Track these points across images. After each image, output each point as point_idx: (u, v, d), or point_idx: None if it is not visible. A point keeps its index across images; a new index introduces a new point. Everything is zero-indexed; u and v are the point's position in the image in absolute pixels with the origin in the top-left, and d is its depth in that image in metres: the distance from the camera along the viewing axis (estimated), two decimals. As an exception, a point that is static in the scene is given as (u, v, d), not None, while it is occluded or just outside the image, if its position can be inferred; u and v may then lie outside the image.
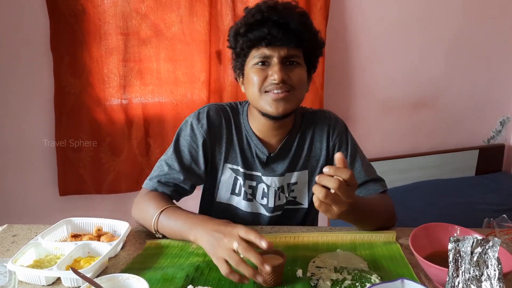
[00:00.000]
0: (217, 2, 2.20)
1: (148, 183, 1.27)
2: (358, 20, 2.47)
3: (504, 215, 1.12)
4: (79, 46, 2.13)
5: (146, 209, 1.18)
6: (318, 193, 0.90)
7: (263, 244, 0.89)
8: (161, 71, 2.25)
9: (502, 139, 2.92)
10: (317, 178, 0.91)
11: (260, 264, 0.88)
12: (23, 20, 2.12)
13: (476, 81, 2.75)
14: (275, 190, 1.30)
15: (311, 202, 1.33)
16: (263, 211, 1.32)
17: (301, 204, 1.34)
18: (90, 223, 1.18)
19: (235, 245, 0.91)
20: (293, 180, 1.32)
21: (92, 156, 2.26)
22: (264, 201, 1.31)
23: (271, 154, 1.28)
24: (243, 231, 0.93)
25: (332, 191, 0.90)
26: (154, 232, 1.15)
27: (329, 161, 1.33)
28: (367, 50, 2.54)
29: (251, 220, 1.32)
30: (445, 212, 2.23)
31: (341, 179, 0.89)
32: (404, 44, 2.58)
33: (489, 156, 2.87)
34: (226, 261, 0.91)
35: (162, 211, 1.13)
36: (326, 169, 0.91)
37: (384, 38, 2.54)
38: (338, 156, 0.92)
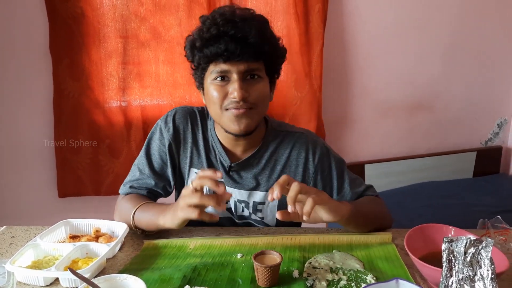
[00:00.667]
0: (215, 5, 2.21)
1: (122, 189, 1.32)
2: (356, 22, 2.48)
3: (499, 216, 1.13)
4: (78, 49, 2.14)
5: (124, 210, 1.22)
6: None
7: (221, 188, 0.95)
8: (160, 74, 2.26)
9: (499, 141, 2.92)
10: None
11: (213, 184, 0.95)
12: (23, 23, 2.13)
13: (473, 83, 2.76)
14: (235, 201, 1.27)
15: (278, 225, 1.30)
16: (233, 218, 1.31)
17: (268, 225, 1.30)
18: (89, 224, 1.19)
19: (190, 183, 0.98)
20: (258, 199, 1.27)
21: (91, 158, 2.27)
22: (228, 205, 1.29)
23: (233, 164, 1.24)
24: (195, 181, 0.98)
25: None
26: (134, 229, 1.19)
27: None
28: (365, 52, 2.55)
29: (224, 224, 1.31)
30: (443, 214, 2.23)
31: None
32: (401, 46, 2.59)
33: (487, 158, 2.88)
34: (194, 209, 0.98)
35: (137, 208, 1.18)
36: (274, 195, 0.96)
37: (382, 40, 2.55)
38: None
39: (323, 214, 1.04)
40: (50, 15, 2.08)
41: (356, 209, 1.12)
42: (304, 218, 0.98)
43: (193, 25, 2.19)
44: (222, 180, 0.96)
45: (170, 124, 1.27)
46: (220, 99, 1.12)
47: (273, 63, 1.18)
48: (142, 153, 1.30)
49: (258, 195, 1.26)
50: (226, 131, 1.17)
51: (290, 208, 0.96)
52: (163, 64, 2.25)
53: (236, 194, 1.26)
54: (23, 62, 2.17)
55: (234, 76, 1.10)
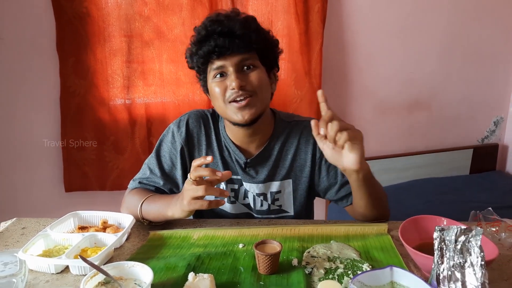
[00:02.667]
0: (217, 4, 2.25)
1: (132, 184, 1.37)
2: (355, 22, 2.52)
3: (490, 208, 1.17)
4: (84, 48, 2.19)
5: (132, 202, 1.28)
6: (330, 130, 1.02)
7: (218, 174, 1.01)
8: (163, 72, 2.30)
9: (496, 139, 2.97)
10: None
11: (211, 173, 1.00)
12: (31, 22, 2.17)
13: (470, 82, 2.81)
14: (253, 195, 1.33)
15: (297, 210, 1.36)
16: (252, 213, 1.37)
17: (287, 211, 1.37)
18: (96, 216, 1.24)
19: (189, 176, 1.03)
20: (275, 189, 1.34)
21: (97, 155, 2.32)
22: (247, 201, 1.35)
23: (248, 160, 1.31)
24: (192, 173, 1.03)
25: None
26: (141, 220, 1.24)
27: (314, 172, 1.34)
28: (364, 52, 2.59)
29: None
30: (440, 210, 2.22)
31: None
32: (399, 45, 2.63)
33: (483, 155, 2.92)
34: (202, 202, 1.04)
35: (144, 200, 1.23)
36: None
37: (381, 40, 2.59)
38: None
39: (350, 150, 1.07)
40: (56, 15, 2.13)
41: (372, 175, 1.18)
42: (330, 142, 1.05)
43: (196, 24, 2.23)
44: (209, 159, 1.03)
45: (183, 129, 1.33)
46: (222, 93, 1.19)
47: (265, 52, 1.23)
48: (153, 153, 1.36)
49: (274, 185, 1.33)
50: (234, 124, 1.23)
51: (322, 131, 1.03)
52: (167, 62, 2.29)
53: (254, 189, 1.32)
54: (31, 61, 2.21)
55: (230, 69, 1.18)
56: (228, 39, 1.14)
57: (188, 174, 1.04)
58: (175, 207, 1.12)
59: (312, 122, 1.06)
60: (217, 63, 1.18)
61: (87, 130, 2.28)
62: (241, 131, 1.26)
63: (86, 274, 0.97)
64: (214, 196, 1.34)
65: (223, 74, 1.19)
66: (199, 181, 1.03)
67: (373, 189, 1.20)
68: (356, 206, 1.27)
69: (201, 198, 1.04)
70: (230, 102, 1.18)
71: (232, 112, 1.19)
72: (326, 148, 1.09)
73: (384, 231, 1.20)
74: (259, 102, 1.20)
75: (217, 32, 1.15)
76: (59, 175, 2.34)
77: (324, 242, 1.14)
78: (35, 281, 0.98)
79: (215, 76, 1.20)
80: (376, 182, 1.24)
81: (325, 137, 1.05)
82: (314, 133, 1.07)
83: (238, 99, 1.17)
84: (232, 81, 1.16)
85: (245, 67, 1.19)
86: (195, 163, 1.04)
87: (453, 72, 2.76)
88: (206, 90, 1.28)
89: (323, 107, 1.06)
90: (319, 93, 1.06)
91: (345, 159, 1.08)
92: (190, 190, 1.04)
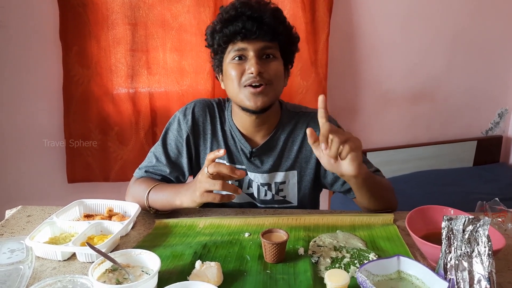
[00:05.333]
0: (223, -6, 2.22)
1: (137, 172, 1.37)
2: (361, 13, 2.50)
3: (496, 199, 1.17)
4: (88, 36, 2.16)
5: (138, 191, 1.28)
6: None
7: (237, 173, 1.01)
8: (167, 61, 2.28)
9: (500, 131, 2.96)
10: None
11: (231, 171, 1.01)
12: (34, 10, 2.15)
13: (475, 74, 2.79)
14: (258, 185, 1.34)
15: (301, 201, 1.36)
16: (256, 203, 1.37)
17: (291, 202, 1.37)
18: (102, 204, 1.24)
19: (205, 170, 1.04)
20: (279, 179, 1.34)
21: (100, 145, 2.30)
22: (250, 191, 1.35)
23: (254, 149, 1.30)
24: (211, 167, 1.03)
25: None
26: (147, 208, 1.24)
27: (320, 164, 1.29)
28: (369, 43, 2.57)
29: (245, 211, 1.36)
30: (443, 201, 2.22)
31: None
32: (404, 37, 2.61)
33: (487, 147, 2.91)
34: (216, 196, 1.05)
35: (151, 189, 1.24)
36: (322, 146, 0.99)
37: (386, 31, 2.57)
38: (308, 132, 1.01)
39: (348, 161, 1.02)
40: (60, 2, 2.10)
41: (372, 175, 1.18)
42: (331, 157, 1.02)
43: (201, 12, 2.24)
44: (222, 152, 1.03)
45: (189, 117, 1.33)
46: (238, 76, 1.18)
47: (287, 46, 1.24)
48: (159, 142, 1.36)
49: (279, 176, 1.33)
50: (243, 109, 1.22)
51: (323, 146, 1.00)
52: (171, 51, 2.26)
53: (258, 178, 1.32)
54: (34, 49, 2.19)
55: (251, 54, 1.17)
56: (257, 24, 1.15)
57: (205, 167, 1.04)
58: (185, 196, 1.12)
59: (308, 131, 1.02)
60: (240, 45, 1.18)
61: (91, 121, 2.26)
62: (248, 119, 1.26)
63: (92, 262, 0.98)
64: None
65: (241, 57, 1.19)
66: (215, 175, 1.04)
67: (374, 187, 1.20)
68: (359, 203, 1.28)
69: (216, 194, 1.05)
70: (245, 86, 1.18)
71: (244, 97, 1.19)
72: (322, 156, 1.05)
73: (390, 221, 1.20)
74: (272, 92, 1.21)
75: (246, 15, 1.15)
76: (62, 165, 2.33)
77: (329, 232, 1.14)
78: (42, 268, 0.99)
79: (233, 58, 1.20)
80: (377, 179, 1.24)
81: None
82: (310, 141, 1.03)
83: (253, 84, 1.17)
84: (251, 66, 1.16)
85: (265, 56, 1.19)
86: (209, 156, 1.04)
87: (458, 64, 2.74)
88: (219, 70, 1.28)
89: (321, 115, 1.03)
90: (321, 98, 1.03)
91: (344, 167, 1.04)
92: (205, 183, 1.05)
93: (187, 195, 1.11)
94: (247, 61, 1.18)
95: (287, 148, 1.33)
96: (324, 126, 0.99)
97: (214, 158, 1.04)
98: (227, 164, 1.31)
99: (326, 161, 1.05)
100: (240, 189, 1.08)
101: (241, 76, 1.18)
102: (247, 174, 1.33)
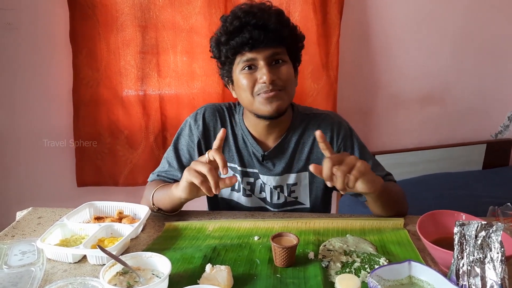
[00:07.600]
0: (234, -5, 2.20)
1: (151, 177, 1.40)
2: (372, 15, 2.50)
3: (509, 204, 1.16)
4: (97, 38, 2.15)
5: (148, 192, 1.29)
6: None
7: (224, 172, 1.00)
8: (178, 64, 2.26)
9: (510, 134, 2.93)
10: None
11: (223, 162, 1.00)
12: (45, 13, 2.15)
13: (485, 76, 2.77)
14: (270, 188, 1.33)
15: (313, 202, 1.37)
16: (268, 207, 1.37)
17: (303, 204, 1.37)
18: (112, 206, 1.24)
19: (206, 154, 1.04)
20: (291, 181, 1.34)
21: (110, 149, 2.29)
22: (263, 195, 1.36)
23: (266, 153, 1.31)
24: (211, 153, 1.03)
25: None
26: (151, 206, 1.24)
27: None
28: (379, 45, 2.56)
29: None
30: (452, 205, 2.22)
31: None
32: (413, 39, 2.60)
33: (497, 151, 2.89)
34: (199, 176, 1.02)
35: (157, 188, 1.25)
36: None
37: (396, 34, 2.56)
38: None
39: (360, 184, 1.01)
40: (70, 4, 2.09)
41: (386, 186, 1.17)
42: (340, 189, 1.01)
43: (212, 14, 2.23)
44: (222, 133, 1.06)
45: (200, 122, 1.33)
46: (251, 86, 1.18)
47: (294, 47, 1.24)
48: (171, 147, 1.37)
49: (290, 178, 1.33)
50: (259, 116, 1.22)
51: (329, 184, 0.99)
52: (181, 54, 2.24)
53: (271, 181, 1.32)
54: (45, 51, 2.20)
55: (261, 63, 1.16)
56: (263, 32, 1.13)
57: (207, 152, 1.04)
58: (179, 185, 1.12)
59: (311, 167, 1.01)
60: (248, 55, 1.17)
61: (100, 124, 2.25)
62: (261, 123, 1.26)
63: (103, 264, 0.98)
64: (230, 189, 1.36)
65: (251, 66, 1.18)
66: (213, 162, 1.03)
67: (388, 198, 1.20)
68: (371, 209, 1.27)
69: (202, 176, 1.02)
70: (258, 94, 1.18)
71: (260, 104, 1.19)
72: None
73: (400, 226, 1.19)
74: (286, 96, 1.21)
75: (251, 24, 1.14)
76: (72, 169, 2.32)
77: (339, 236, 1.14)
78: (53, 270, 0.99)
79: (243, 68, 1.19)
80: (392, 190, 1.24)
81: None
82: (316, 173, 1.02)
83: (266, 91, 1.17)
84: (263, 75, 1.15)
85: (275, 62, 1.18)
86: (214, 146, 1.05)
87: (467, 66, 2.73)
88: (229, 81, 1.27)
89: (323, 147, 1.03)
90: (317, 133, 1.02)
91: (357, 188, 1.03)
92: (197, 162, 1.04)
93: (181, 181, 1.11)
94: (257, 70, 1.18)
95: (298, 150, 1.33)
96: (325, 164, 0.98)
97: (218, 146, 1.05)
98: (239, 168, 1.33)
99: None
100: (219, 188, 1.03)
101: (253, 86, 1.18)
102: (237, 181, 1.31)
